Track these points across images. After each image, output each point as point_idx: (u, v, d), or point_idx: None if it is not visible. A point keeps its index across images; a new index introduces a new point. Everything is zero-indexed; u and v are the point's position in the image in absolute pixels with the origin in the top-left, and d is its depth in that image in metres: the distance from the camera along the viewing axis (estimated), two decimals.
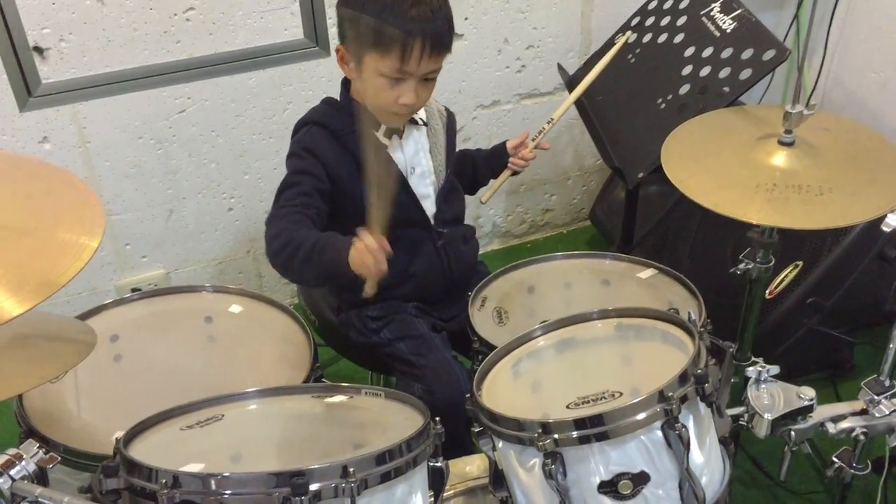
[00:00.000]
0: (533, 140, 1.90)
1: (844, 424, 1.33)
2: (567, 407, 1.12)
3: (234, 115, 2.37)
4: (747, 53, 1.82)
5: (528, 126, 2.77)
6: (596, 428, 1.05)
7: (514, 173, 1.92)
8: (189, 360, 1.65)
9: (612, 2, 2.59)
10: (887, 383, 1.32)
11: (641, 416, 1.05)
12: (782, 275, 2.24)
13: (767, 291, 2.31)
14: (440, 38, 1.53)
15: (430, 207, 1.75)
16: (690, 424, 1.10)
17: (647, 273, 1.77)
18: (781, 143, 1.54)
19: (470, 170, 1.93)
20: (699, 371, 1.08)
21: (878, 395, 1.31)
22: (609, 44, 2.26)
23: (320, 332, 1.94)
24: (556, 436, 1.05)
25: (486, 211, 2.92)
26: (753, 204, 1.45)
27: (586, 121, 2.10)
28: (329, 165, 1.62)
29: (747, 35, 1.84)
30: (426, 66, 1.54)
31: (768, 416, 1.29)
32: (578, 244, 3.04)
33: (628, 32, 1.90)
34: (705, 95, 1.85)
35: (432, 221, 1.75)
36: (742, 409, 1.34)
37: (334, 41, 2.38)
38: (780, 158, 1.53)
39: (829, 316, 2.25)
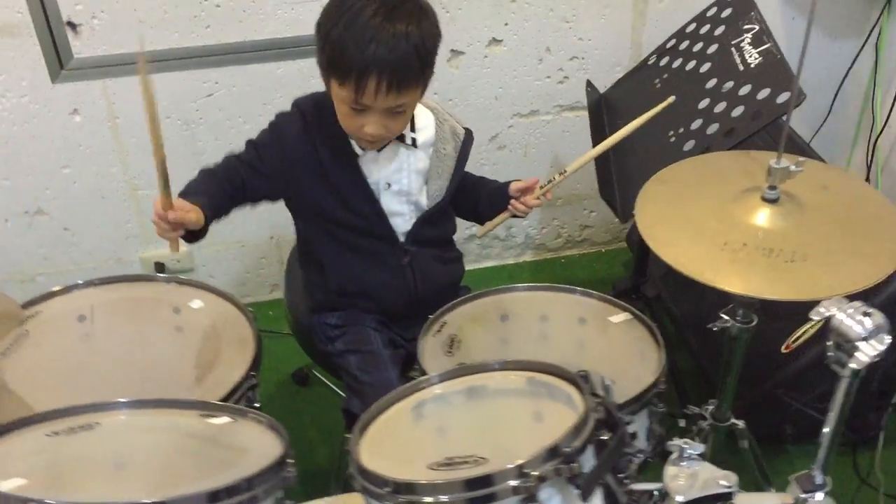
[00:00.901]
0: (541, 187, 1.73)
1: None
2: (428, 467, 1.06)
3: (261, 103, 2.38)
4: (763, 93, 1.68)
5: (567, 138, 2.67)
6: (442, 495, 0.99)
7: (514, 216, 1.77)
8: (157, 347, 1.68)
9: (666, 17, 2.46)
10: (819, 479, 1.19)
11: (495, 489, 0.98)
12: (802, 329, 2.07)
13: (784, 346, 2.15)
14: (400, 74, 1.44)
15: (400, 225, 1.69)
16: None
17: (619, 317, 1.68)
18: (765, 199, 1.41)
19: (473, 201, 1.81)
20: (569, 449, 1.00)
21: (806, 492, 1.19)
22: (642, 65, 2.14)
23: (295, 334, 1.94)
24: (401, 498, 1.00)
25: (519, 221, 2.84)
26: (713, 263, 1.33)
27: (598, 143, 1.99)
28: (287, 151, 1.61)
29: (768, 73, 1.70)
30: (385, 102, 1.47)
31: (679, 499, 1.19)
32: (614, 265, 2.92)
33: (671, 98, 1.68)
34: (712, 134, 1.72)
35: (401, 238, 1.70)
36: (659, 484, 1.24)
37: None
38: (759, 216, 1.41)
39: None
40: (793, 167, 1.38)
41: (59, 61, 2.19)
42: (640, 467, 1.53)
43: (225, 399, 1.46)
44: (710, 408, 1.74)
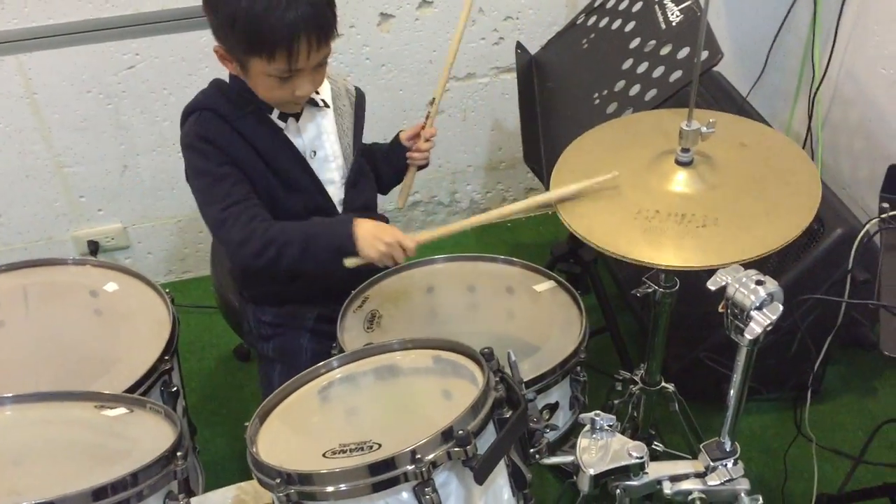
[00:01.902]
0: (423, 127, 1.73)
1: (683, 486, 1.21)
2: (324, 455, 1.03)
3: (185, 74, 2.31)
4: (683, 53, 1.64)
5: (506, 101, 2.63)
6: (332, 485, 0.96)
7: (421, 167, 1.78)
8: (77, 331, 1.64)
9: None
10: (728, 447, 1.19)
11: (387, 476, 0.96)
12: None
13: (721, 305, 2.15)
14: (324, 27, 1.42)
15: (336, 193, 1.66)
16: (452, 488, 1.00)
17: (544, 286, 1.66)
18: (678, 162, 1.38)
19: (372, 168, 1.78)
20: (462, 431, 0.98)
21: (715, 461, 1.18)
22: (571, 25, 2.09)
23: (225, 315, 1.90)
24: (291, 489, 0.97)
25: (463, 186, 2.80)
26: (626, 233, 1.31)
27: (527, 108, 1.95)
28: (225, 151, 1.54)
29: (688, 32, 1.66)
30: (316, 59, 1.45)
31: (591, 472, 1.18)
32: (561, 228, 2.84)
33: None
34: (634, 96, 1.68)
35: (339, 208, 1.66)
36: (571, 458, 1.23)
37: None
38: (674, 180, 1.38)
39: (789, 335, 2.07)
40: (704, 128, 1.35)
41: None
42: (565, 438, 1.52)
43: (138, 384, 1.43)
44: (641, 372, 1.74)
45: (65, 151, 2.36)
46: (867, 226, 1.54)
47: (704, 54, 1.58)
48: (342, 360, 1.22)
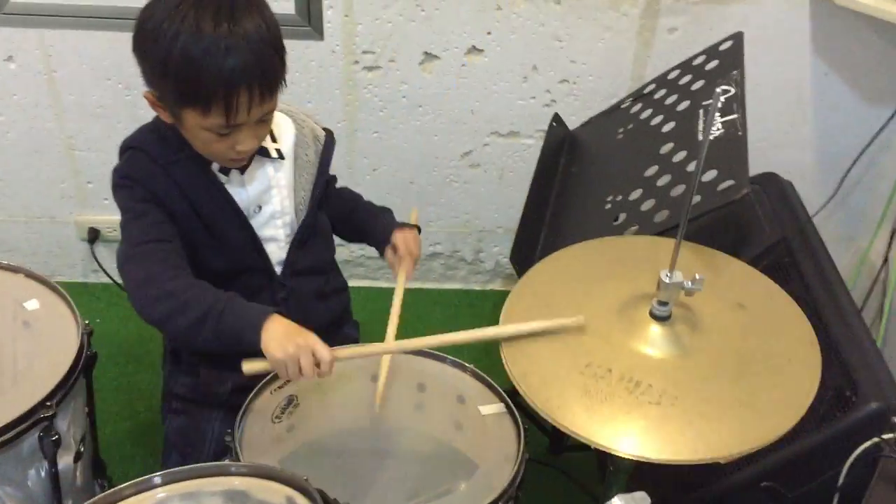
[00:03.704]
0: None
1: None
2: None
3: None
4: (709, 175, 1.39)
5: None
6: None
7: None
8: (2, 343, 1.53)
9: (676, 50, 2.14)
10: None
11: None
12: None
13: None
14: (269, 78, 1.26)
15: (275, 252, 1.48)
16: None
17: (490, 409, 1.43)
18: (653, 315, 1.15)
19: (349, 217, 1.63)
20: None
21: None
22: (615, 107, 1.86)
23: None
24: None
25: (490, 246, 2.59)
26: (564, 389, 1.08)
27: (538, 192, 1.73)
28: (151, 190, 1.38)
29: (722, 152, 1.40)
30: (258, 113, 1.28)
31: None
32: None
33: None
34: (645, 212, 1.44)
35: (278, 269, 1.49)
36: None
37: (329, 25, 2.13)
38: (642, 335, 1.14)
39: None
40: (688, 283, 1.11)
41: None
42: None
43: (15, 424, 1.28)
44: None
45: (77, 134, 2.27)
46: None
47: (728, 183, 1.34)
48: (165, 478, 1.02)
